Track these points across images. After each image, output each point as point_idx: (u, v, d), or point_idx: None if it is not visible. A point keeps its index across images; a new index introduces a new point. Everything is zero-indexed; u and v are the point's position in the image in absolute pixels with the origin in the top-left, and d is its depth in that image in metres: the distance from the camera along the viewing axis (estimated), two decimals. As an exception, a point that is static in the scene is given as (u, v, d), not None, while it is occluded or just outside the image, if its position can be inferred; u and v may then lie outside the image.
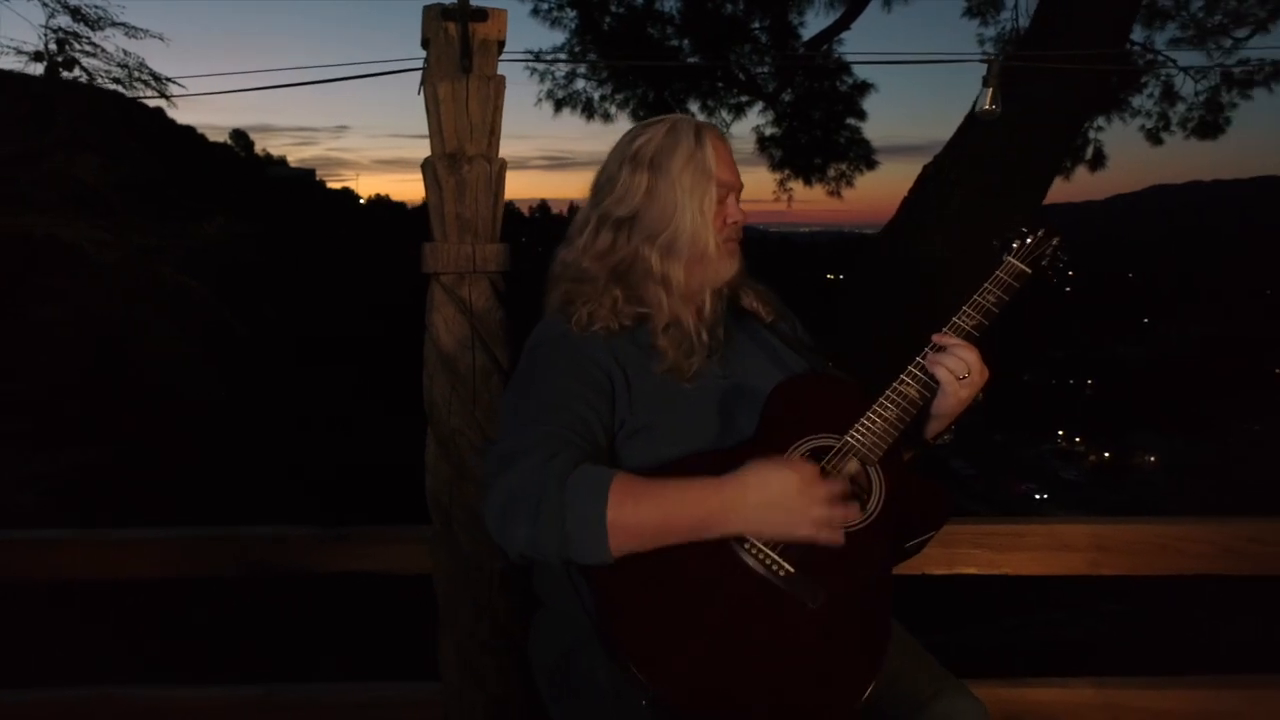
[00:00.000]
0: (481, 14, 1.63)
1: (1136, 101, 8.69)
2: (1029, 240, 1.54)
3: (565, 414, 1.30)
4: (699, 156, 1.42)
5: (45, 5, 4.82)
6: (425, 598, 1.87)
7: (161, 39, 5.41)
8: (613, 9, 9.27)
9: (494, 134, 1.68)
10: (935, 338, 1.42)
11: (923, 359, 1.41)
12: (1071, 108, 5.15)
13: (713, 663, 1.19)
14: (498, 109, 1.68)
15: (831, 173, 9.72)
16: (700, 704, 1.18)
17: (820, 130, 9.70)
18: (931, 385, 1.39)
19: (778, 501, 1.18)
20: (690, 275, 1.44)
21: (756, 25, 9.41)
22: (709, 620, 1.20)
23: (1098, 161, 9.13)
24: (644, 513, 1.17)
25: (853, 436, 1.35)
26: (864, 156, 9.66)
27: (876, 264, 5.45)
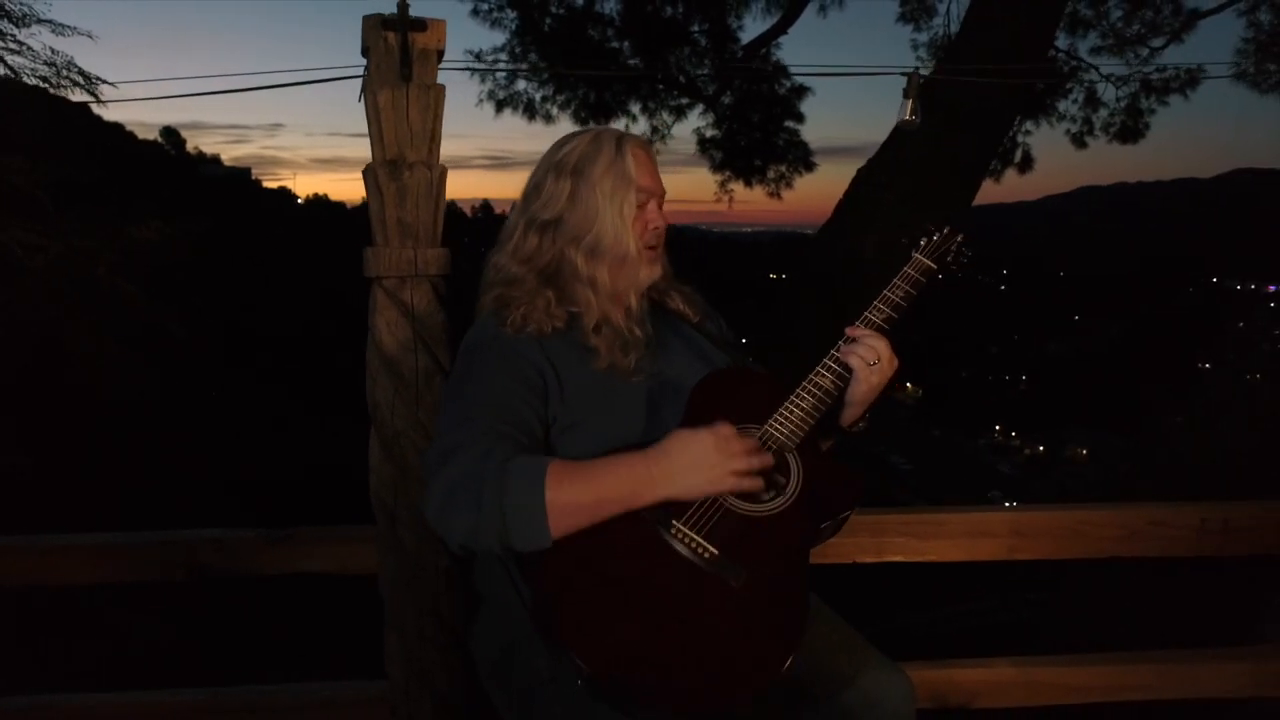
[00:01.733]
0: (420, 24, 1.67)
1: (1062, 106, 9.01)
2: (935, 237, 1.62)
3: (501, 410, 1.37)
4: (619, 164, 1.49)
5: (-33, 1, 4.68)
6: (371, 597, 1.90)
7: (90, 36, 5.29)
8: (552, 10, 9.27)
9: (434, 141, 1.72)
10: (849, 330, 1.51)
11: (837, 351, 1.49)
12: (996, 114, 5.35)
13: (643, 643, 1.25)
14: (438, 117, 1.71)
15: (771, 174, 9.88)
16: (633, 682, 1.24)
17: (759, 132, 9.84)
18: (845, 375, 1.47)
19: (700, 461, 1.28)
20: (614, 277, 1.51)
21: (696, 28, 9.49)
22: (639, 603, 1.27)
23: (1026, 164, 9.44)
24: (579, 491, 1.25)
25: (772, 425, 1.43)
26: (802, 158, 9.83)
27: (813, 264, 5.59)
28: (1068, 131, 9.14)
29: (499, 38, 8.99)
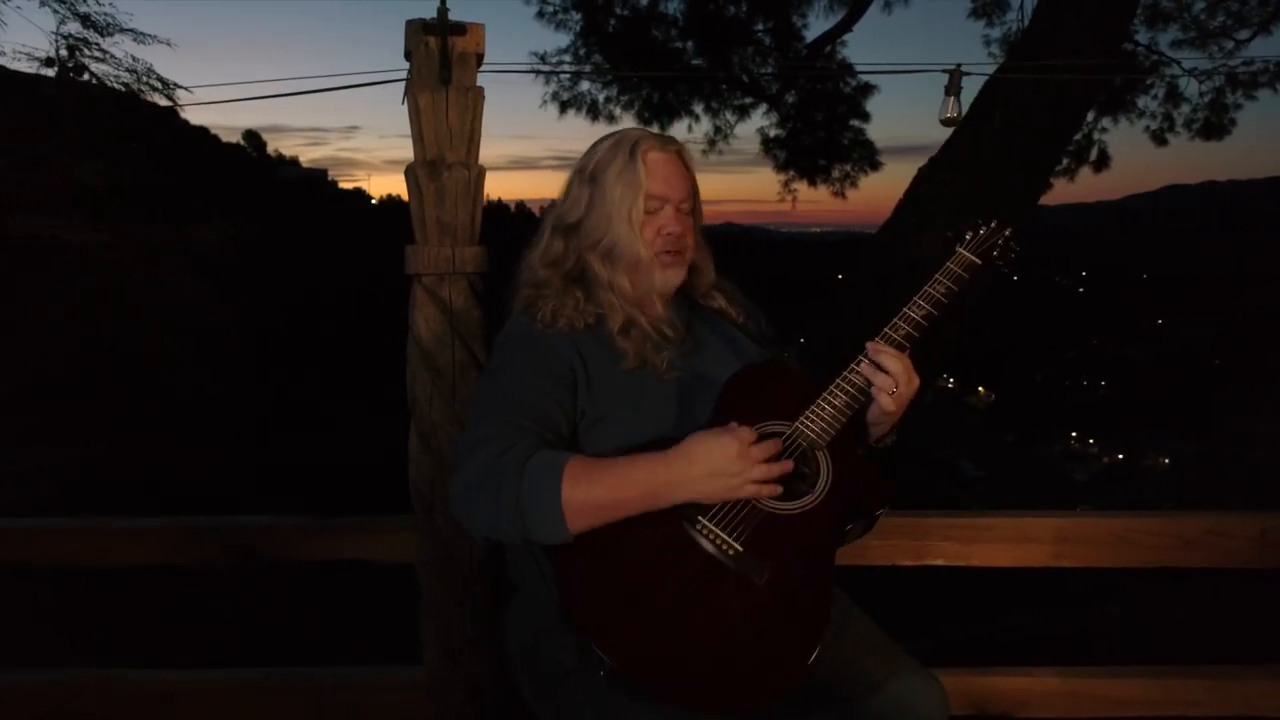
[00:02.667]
0: (460, 28, 1.71)
1: (1142, 102, 8.70)
2: (981, 232, 1.58)
3: (528, 406, 1.39)
4: (629, 170, 1.50)
5: (55, 12, 4.95)
6: (411, 586, 1.96)
7: (168, 44, 5.52)
8: (617, 11, 9.32)
9: (473, 142, 1.76)
10: (869, 345, 1.44)
11: (870, 344, 1.44)
12: (1066, 110, 5.19)
13: (666, 637, 1.26)
14: (476, 118, 1.76)
15: (836, 173, 9.77)
16: (655, 675, 1.25)
17: (824, 131, 9.74)
18: (880, 373, 1.43)
19: (720, 468, 1.26)
20: (634, 282, 1.53)
21: (759, 27, 9.44)
22: (663, 597, 1.28)
23: (1102, 162, 9.15)
24: (596, 490, 1.25)
25: (803, 423, 1.41)
26: (868, 157, 9.71)
27: (871, 264, 5.51)
28: (1147, 128, 8.84)
29: (564, 39, 9.06)
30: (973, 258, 1.55)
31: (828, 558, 1.39)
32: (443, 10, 1.69)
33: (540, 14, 9.22)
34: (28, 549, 2.06)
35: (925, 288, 1.52)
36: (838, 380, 1.44)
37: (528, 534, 1.27)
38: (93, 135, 4.89)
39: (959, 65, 1.93)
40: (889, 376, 1.40)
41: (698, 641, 1.26)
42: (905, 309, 1.49)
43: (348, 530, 2.04)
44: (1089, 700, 2.13)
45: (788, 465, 1.32)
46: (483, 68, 1.80)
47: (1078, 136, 8.83)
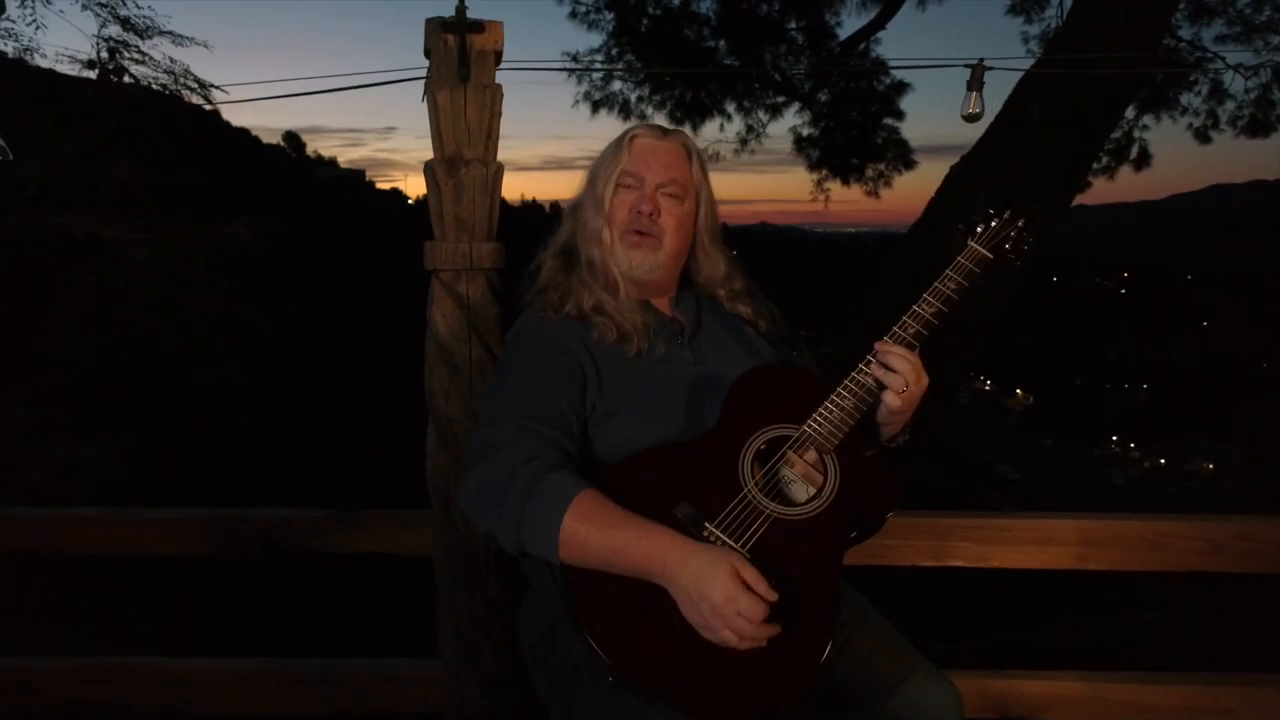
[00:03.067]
0: (479, 26, 1.72)
1: (1185, 99, 8.53)
2: (993, 224, 1.55)
3: (539, 403, 1.40)
4: (615, 152, 1.54)
5: (97, 15, 5.08)
6: (432, 579, 1.98)
7: (205, 46, 5.64)
8: (649, 11, 9.34)
9: (490, 139, 1.77)
10: (877, 345, 1.44)
11: (879, 344, 1.43)
12: (1102, 108, 5.10)
13: (670, 642, 1.25)
14: (494, 115, 1.77)
15: (869, 173, 9.70)
16: (659, 680, 1.25)
17: (857, 130, 9.68)
18: (889, 372, 1.42)
19: (706, 598, 1.20)
20: (605, 263, 1.54)
21: (792, 26, 9.40)
22: (667, 603, 1.26)
23: (1143, 161, 8.98)
24: (592, 542, 1.25)
25: (810, 425, 1.40)
26: (902, 156, 9.62)
27: (900, 263, 5.46)
28: (1190, 126, 8.65)
29: (596, 39, 9.09)
30: (984, 252, 1.52)
31: (835, 562, 1.37)
32: (461, 8, 1.70)
33: (573, 14, 9.25)
34: (62, 538, 2.11)
35: (935, 284, 1.50)
36: (845, 382, 1.43)
37: (523, 549, 1.29)
38: (131, 135, 5.02)
39: (981, 60, 1.90)
40: (898, 376, 1.39)
41: (701, 648, 1.25)
42: (915, 306, 1.48)
43: (370, 524, 2.06)
44: (1114, 706, 2.09)
45: (769, 630, 1.22)
46: (501, 65, 1.82)
47: (1117, 134, 8.67)
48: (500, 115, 1.79)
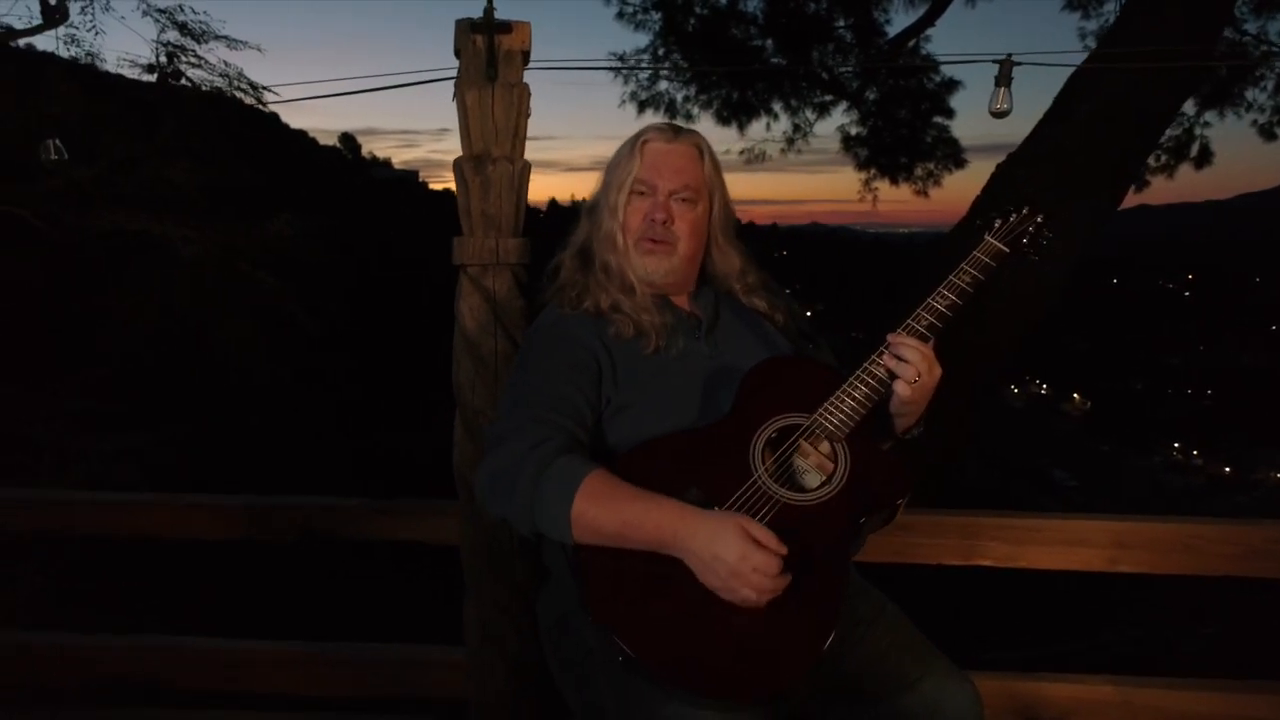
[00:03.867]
0: (506, 27, 1.76)
1: (1250, 95, 8.27)
2: (1011, 219, 1.55)
3: (553, 396, 1.43)
4: (627, 157, 1.57)
5: (156, 21, 5.27)
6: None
7: (259, 49, 5.82)
8: (696, 10, 9.34)
9: (518, 137, 1.81)
10: (890, 338, 1.44)
11: (893, 336, 1.43)
12: (1154, 104, 4.99)
13: (677, 626, 1.28)
14: (521, 114, 1.80)
15: (919, 171, 9.60)
16: (667, 662, 1.27)
17: (906, 129, 9.57)
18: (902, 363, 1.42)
19: (720, 559, 1.23)
20: (621, 267, 1.57)
21: (840, 24, 9.33)
22: (675, 587, 1.29)
23: (1204, 159, 8.77)
24: (605, 515, 1.28)
25: (822, 414, 1.42)
26: (952, 155, 9.50)
27: (941, 262, 5.40)
28: (1254, 123, 8.40)
29: (643, 39, 9.13)
30: (1001, 246, 1.53)
31: (843, 549, 1.38)
32: (489, 9, 1.74)
33: (620, 15, 9.31)
34: (113, 521, 2.21)
35: (950, 277, 1.50)
36: (858, 373, 1.44)
37: (536, 532, 1.33)
38: (188, 137, 5.21)
39: (1009, 55, 1.88)
40: (910, 366, 1.40)
41: (708, 631, 1.28)
42: (929, 299, 1.48)
43: (404, 513, 2.12)
44: (1145, 712, 2.05)
45: (780, 583, 1.25)
46: (530, 65, 1.85)
47: (1177, 132, 8.46)
48: (527, 114, 1.83)
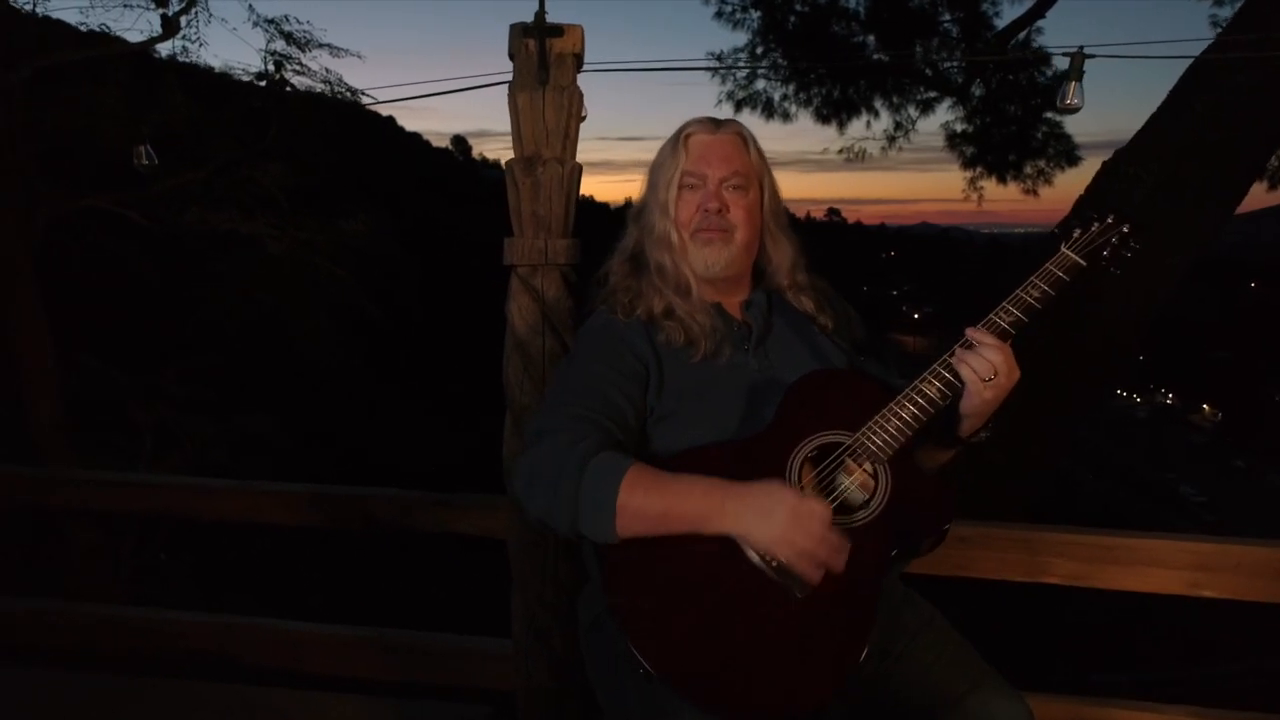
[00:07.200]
0: (558, 30, 1.78)
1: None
2: (1094, 228, 1.46)
3: (597, 397, 1.43)
4: (674, 151, 1.55)
5: (265, 31, 5.58)
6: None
7: (359, 56, 6.09)
8: (797, 7, 9.22)
9: (568, 139, 1.83)
10: (969, 332, 1.39)
11: (950, 357, 1.38)
12: (1278, 95, 4.62)
13: (704, 643, 1.26)
14: (572, 116, 1.82)
15: (1028, 170, 9.21)
16: (691, 679, 1.26)
17: (1015, 126, 9.19)
18: (955, 385, 1.38)
19: (770, 520, 1.22)
20: (677, 265, 1.54)
21: (946, 18, 9.04)
22: (703, 603, 1.28)
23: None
24: (651, 501, 1.26)
25: (865, 434, 1.37)
26: (1065, 152, 9.08)
27: (1029, 267, 5.16)
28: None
29: (741, 38, 9.09)
30: (1077, 259, 1.44)
31: (876, 574, 1.34)
32: (540, 14, 1.76)
33: (719, 14, 9.27)
34: (194, 504, 2.36)
35: (1017, 291, 1.42)
36: (907, 391, 1.38)
37: (578, 528, 1.29)
38: (292, 139, 5.50)
39: (1081, 48, 1.78)
40: (988, 363, 1.34)
41: (736, 650, 1.26)
42: (992, 314, 1.41)
43: (462, 506, 2.18)
44: (1224, 748, 1.92)
45: (841, 553, 1.24)
46: (583, 68, 1.87)
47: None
48: (580, 117, 1.85)
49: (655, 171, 1.59)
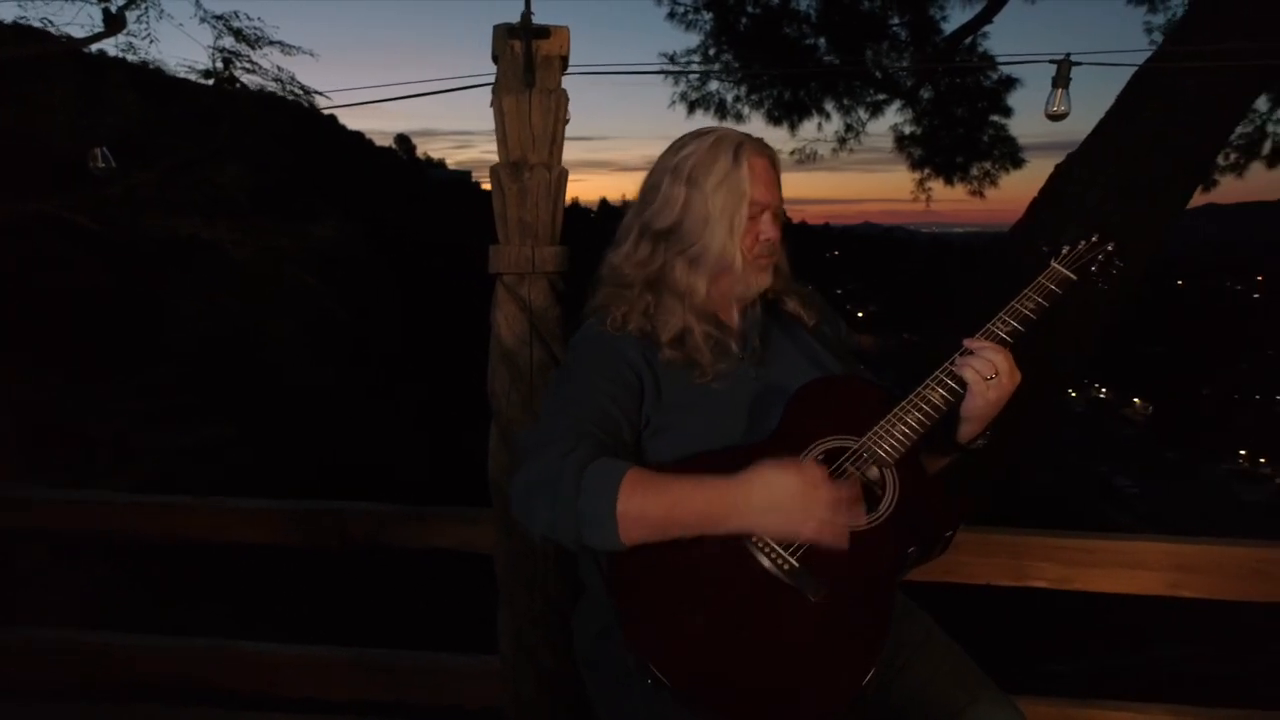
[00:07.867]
0: (544, 32, 1.74)
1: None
2: (1080, 245, 1.51)
3: (592, 408, 1.39)
4: (734, 176, 1.45)
5: (213, 28, 5.39)
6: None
7: (311, 54, 5.90)
8: (749, 9, 9.28)
9: (555, 143, 1.78)
10: (967, 342, 1.41)
11: (951, 364, 1.40)
12: (1224, 100, 4.77)
13: (715, 650, 1.24)
14: (559, 120, 1.78)
15: (974, 171, 9.42)
16: (702, 688, 1.23)
17: (962, 128, 9.39)
18: (958, 390, 1.39)
19: (780, 504, 1.20)
20: (715, 288, 1.50)
21: (895, 21, 9.18)
22: (714, 610, 1.25)
23: (1276, 157, 8.43)
24: (651, 505, 1.23)
25: (871, 439, 1.36)
26: (1010, 154, 9.30)
27: (998, 263, 5.25)
28: (1331, 119, 8.04)
29: (694, 40, 9.10)
30: (1067, 273, 1.49)
31: (889, 578, 1.33)
32: (526, 15, 1.71)
33: (671, 15, 9.28)
34: (156, 523, 2.24)
35: (1012, 303, 1.46)
36: (912, 397, 1.39)
37: (582, 539, 1.25)
38: (242, 140, 5.31)
39: (1068, 55, 1.80)
40: (989, 363, 1.36)
41: (748, 657, 1.24)
42: (989, 324, 1.44)
43: (440, 520, 2.11)
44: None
45: (859, 514, 1.25)
46: (568, 71, 1.82)
47: (1248, 129, 8.17)
48: (565, 120, 1.80)
49: (709, 190, 1.46)
